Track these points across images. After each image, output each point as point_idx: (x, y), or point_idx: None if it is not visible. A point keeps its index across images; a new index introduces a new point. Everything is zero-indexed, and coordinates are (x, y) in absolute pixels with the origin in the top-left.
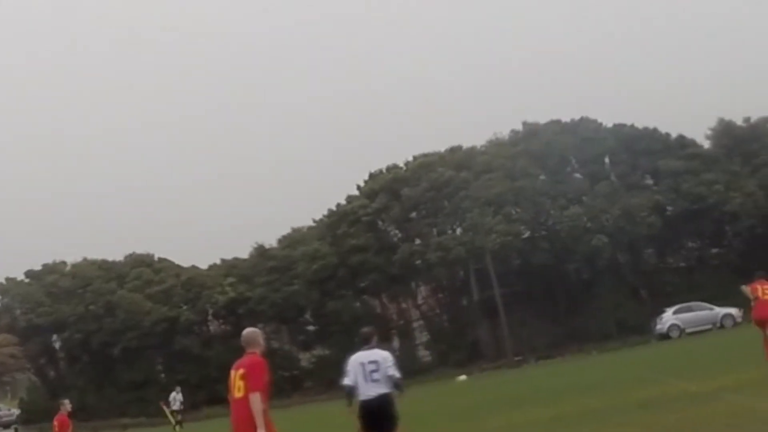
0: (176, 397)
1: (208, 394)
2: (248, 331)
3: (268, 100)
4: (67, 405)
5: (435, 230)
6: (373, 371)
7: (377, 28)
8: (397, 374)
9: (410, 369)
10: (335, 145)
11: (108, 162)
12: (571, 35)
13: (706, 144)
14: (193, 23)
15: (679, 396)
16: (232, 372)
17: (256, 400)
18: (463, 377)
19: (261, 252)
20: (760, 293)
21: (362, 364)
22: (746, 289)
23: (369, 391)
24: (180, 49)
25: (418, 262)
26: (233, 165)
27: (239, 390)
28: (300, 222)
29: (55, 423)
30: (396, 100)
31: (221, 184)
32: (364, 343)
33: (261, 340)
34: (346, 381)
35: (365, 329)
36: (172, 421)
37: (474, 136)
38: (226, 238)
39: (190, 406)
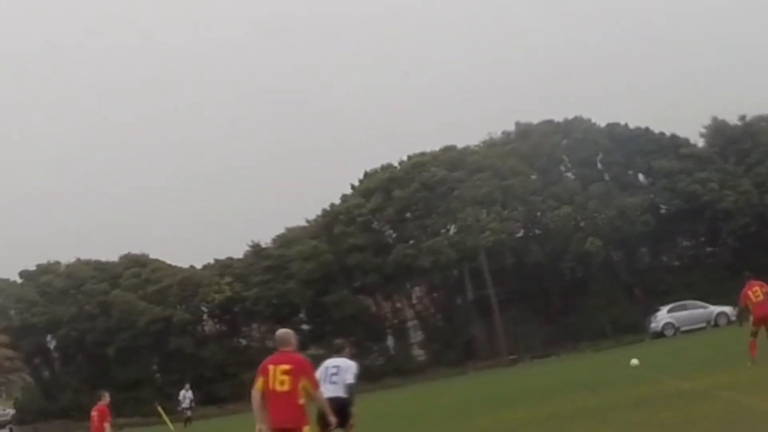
0: (186, 395)
1: (204, 394)
2: (282, 331)
3: (262, 98)
4: (106, 396)
5: (428, 231)
6: (333, 374)
7: (373, 28)
8: (351, 380)
9: (405, 368)
10: (330, 144)
11: (103, 161)
12: (564, 35)
13: (700, 143)
14: (187, 17)
15: (673, 394)
16: (270, 367)
17: (322, 396)
18: (635, 361)
19: (256, 251)
20: (753, 298)
21: (326, 368)
22: (742, 305)
23: (327, 391)
24: (173, 42)
25: (412, 263)
26: (227, 164)
27: (282, 384)
28: (293, 222)
29: (94, 414)
30: (392, 99)
31: (215, 182)
32: (335, 353)
33: (294, 339)
34: None
35: (338, 341)
36: (168, 422)
37: (469, 136)
38: (221, 238)
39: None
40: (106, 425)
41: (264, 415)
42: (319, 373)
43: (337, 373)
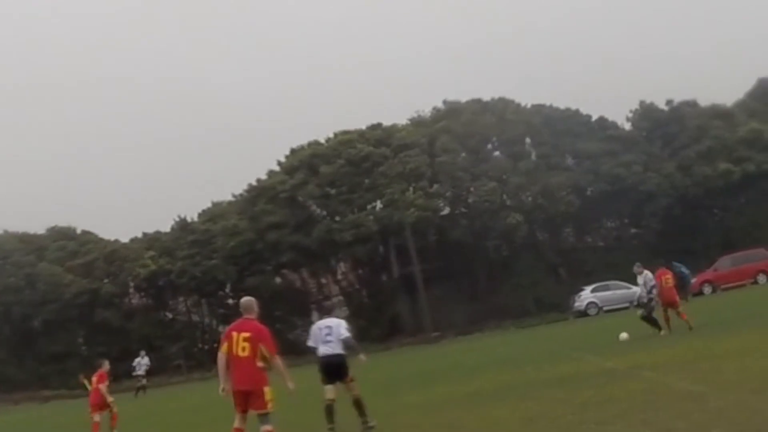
0: (141, 362)
1: (130, 366)
2: (246, 299)
3: (194, 70)
4: (105, 364)
5: (353, 206)
6: (326, 334)
7: (299, 7)
8: (346, 334)
9: None
10: (259, 120)
11: (29, 131)
12: (494, 16)
13: (627, 126)
14: None
15: (596, 372)
16: (234, 334)
17: (279, 362)
18: (624, 335)
19: (183, 226)
20: (663, 284)
21: (320, 329)
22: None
23: (324, 350)
24: (102, 7)
25: (337, 239)
26: (159, 135)
27: (244, 350)
28: (221, 196)
29: (94, 378)
30: (322, 78)
31: (144, 155)
32: (325, 314)
33: (257, 307)
34: (309, 343)
35: (327, 303)
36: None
37: (398, 116)
38: (149, 211)
39: (112, 378)
40: (102, 386)
41: (227, 377)
42: (312, 335)
43: (330, 333)
